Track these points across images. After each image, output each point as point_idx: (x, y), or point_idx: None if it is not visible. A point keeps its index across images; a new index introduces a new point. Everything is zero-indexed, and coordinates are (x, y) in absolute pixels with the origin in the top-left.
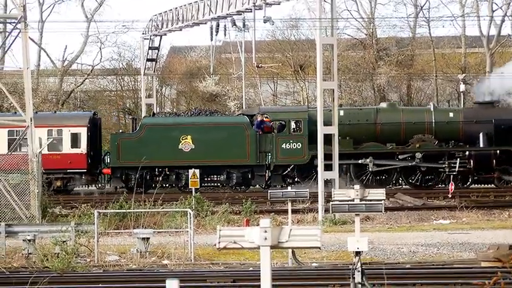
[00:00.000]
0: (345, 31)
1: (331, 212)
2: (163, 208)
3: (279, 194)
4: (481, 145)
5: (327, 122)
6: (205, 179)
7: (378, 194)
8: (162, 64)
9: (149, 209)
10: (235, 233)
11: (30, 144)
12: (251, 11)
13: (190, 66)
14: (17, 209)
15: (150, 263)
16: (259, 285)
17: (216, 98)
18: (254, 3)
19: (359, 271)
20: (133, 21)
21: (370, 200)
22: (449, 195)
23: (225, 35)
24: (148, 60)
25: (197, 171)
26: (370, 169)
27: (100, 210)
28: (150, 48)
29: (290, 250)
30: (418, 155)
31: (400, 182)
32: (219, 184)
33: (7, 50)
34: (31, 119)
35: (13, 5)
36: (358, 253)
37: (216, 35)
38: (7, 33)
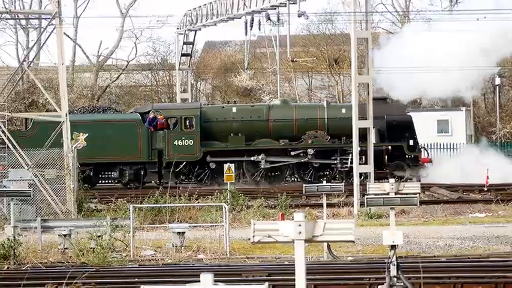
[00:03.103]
0: (379, 25)
1: (366, 205)
2: (198, 202)
3: (314, 188)
4: (374, 141)
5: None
6: (99, 175)
7: (413, 187)
8: (197, 59)
9: (184, 203)
10: (270, 227)
11: (65, 139)
12: (285, 6)
13: (225, 61)
14: (53, 204)
15: (185, 257)
16: (293, 279)
17: (250, 92)
18: None
19: (394, 264)
20: (168, 16)
21: (406, 194)
22: (485, 189)
23: (259, 29)
24: (183, 55)
25: (232, 166)
26: (262, 166)
27: (135, 205)
28: (184, 43)
29: (325, 244)
30: (310, 151)
31: (293, 178)
32: (111, 181)
33: (42, 45)
34: (66, 114)
35: (48, 0)
36: (393, 246)
37: (251, 29)
38: (42, 29)
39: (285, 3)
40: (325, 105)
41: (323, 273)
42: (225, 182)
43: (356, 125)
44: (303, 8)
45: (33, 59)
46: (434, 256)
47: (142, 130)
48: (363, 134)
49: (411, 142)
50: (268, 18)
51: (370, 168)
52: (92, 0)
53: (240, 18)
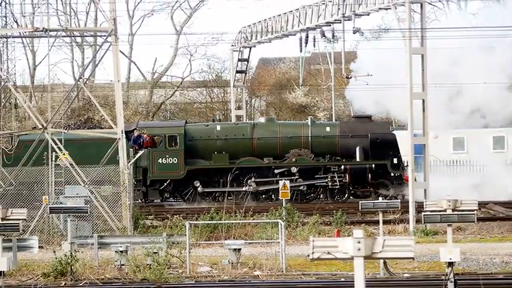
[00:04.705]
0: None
1: (422, 222)
2: (253, 219)
3: (370, 205)
4: (358, 159)
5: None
6: None
7: (470, 204)
8: (252, 75)
9: (240, 220)
10: (329, 244)
11: (121, 156)
12: (340, 22)
13: (280, 78)
14: (109, 221)
15: (241, 274)
16: None
17: (305, 109)
18: (343, 14)
19: (452, 281)
20: (222, 33)
21: (462, 211)
22: None
23: (314, 46)
24: (237, 71)
25: (287, 182)
26: (249, 189)
27: (191, 222)
28: (239, 60)
29: (382, 260)
30: (294, 169)
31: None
32: None
33: (98, 63)
34: (122, 131)
35: (104, 18)
36: (450, 263)
37: (305, 46)
38: (98, 47)
39: (340, 20)
40: (309, 124)
41: None
42: (280, 198)
43: (412, 141)
44: (358, 25)
45: (89, 76)
46: (492, 273)
47: (127, 148)
48: (349, 152)
49: (395, 160)
50: (323, 35)
51: (426, 185)
52: (146, 18)
53: (294, 35)
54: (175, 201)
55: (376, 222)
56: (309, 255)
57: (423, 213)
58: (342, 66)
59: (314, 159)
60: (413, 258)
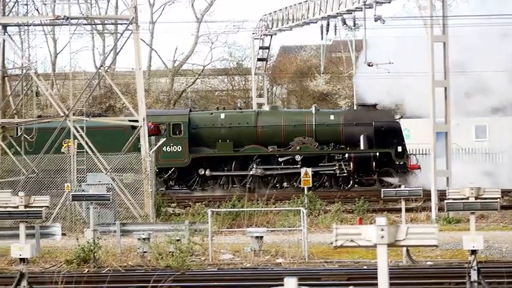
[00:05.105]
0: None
1: (445, 210)
2: (275, 207)
3: (392, 193)
4: (362, 147)
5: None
6: None
7: (493, 192)
8: (273, 63)
9: (262, 207)
10: (352, 232)
11: (143, 143)
12: (361, 10)
13: (301, 66)
14: (131, 208)
15: (264, 261)
16: (374, 284)
17: (326, 96)
18: (364, 2)
19: (475, 270)
20: (243, 21)
21: (485, 198)
22: None
23: (335, 33)
24: (258, 59)
25: (309, 170)
26: (253, 173)
27: (213, 209)
28: (260, 47)
29: (404, 248)
30: (298, 157)
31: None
32: None
33: (119, 51)
34: (144, 118)
35: (124, 6)
36: (474, 251)
37: (327, 34)
38: (119, 35)
39: (361, 8)
40: (313, 112)
41: (403, 278)
42: (302, 186)
43: (434, 128)
44: (379, 12)
45: (110, 64)
46: None
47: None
48: (353, 141)
49: (399, 148)
50: (344, 23)
51: (448, 172)
52: (167, 6)
53: (315, 22)
54: (180, 189)
55: (398, 210)
56: (332, 243)
57: (446, 201)
58: (364, 54)
59: (318, 147)
60: (437, 245)
